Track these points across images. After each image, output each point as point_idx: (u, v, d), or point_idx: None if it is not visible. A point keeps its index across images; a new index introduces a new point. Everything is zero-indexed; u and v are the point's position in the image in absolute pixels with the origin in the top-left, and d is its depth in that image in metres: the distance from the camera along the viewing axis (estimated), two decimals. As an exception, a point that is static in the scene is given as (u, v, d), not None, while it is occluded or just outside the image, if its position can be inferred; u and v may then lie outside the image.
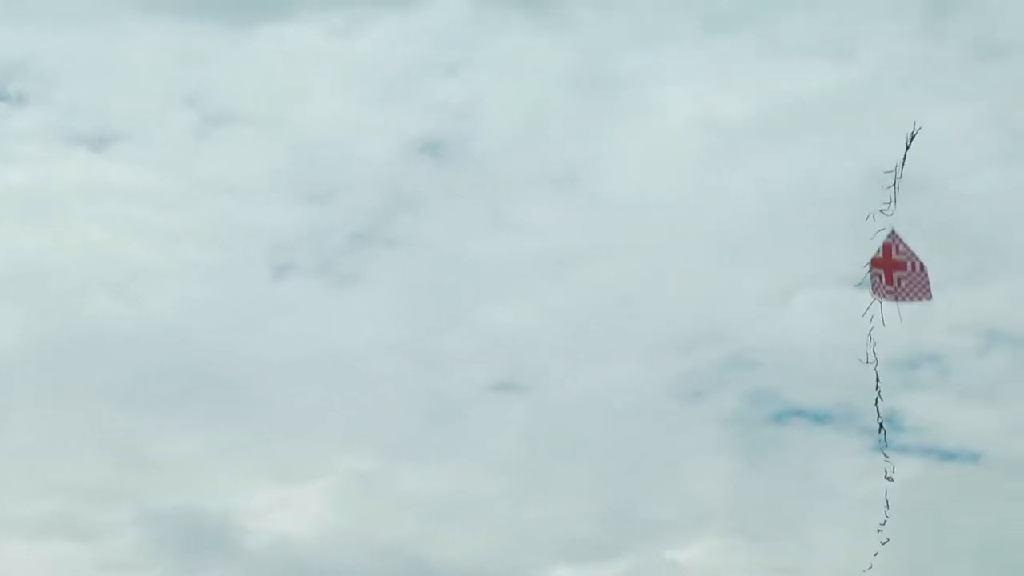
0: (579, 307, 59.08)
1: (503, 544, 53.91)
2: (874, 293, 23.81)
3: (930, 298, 23.82)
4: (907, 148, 23.75)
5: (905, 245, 23.82)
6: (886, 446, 26.90)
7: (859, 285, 24.07)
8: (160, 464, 53.93)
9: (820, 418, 56.88)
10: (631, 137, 61.30)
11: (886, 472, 27.02)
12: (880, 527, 27.33)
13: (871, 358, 24.72)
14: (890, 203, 23.88)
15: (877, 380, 25.18)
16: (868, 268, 23.79)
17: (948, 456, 55.80)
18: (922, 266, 23.81)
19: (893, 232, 23.95)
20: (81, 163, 60.86)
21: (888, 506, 27.23)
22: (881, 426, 26.30)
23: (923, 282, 23.85)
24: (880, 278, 23.73)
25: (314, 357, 57.22)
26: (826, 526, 54.25)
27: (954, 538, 53.40)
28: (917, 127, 24.05)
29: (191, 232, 59.62)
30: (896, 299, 23.76)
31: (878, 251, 24.00)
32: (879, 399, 25.74)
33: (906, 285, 23.72)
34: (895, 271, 23.71)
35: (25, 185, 59.74)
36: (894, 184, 23.75)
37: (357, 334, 58.26)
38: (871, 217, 23.91)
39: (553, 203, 60.99)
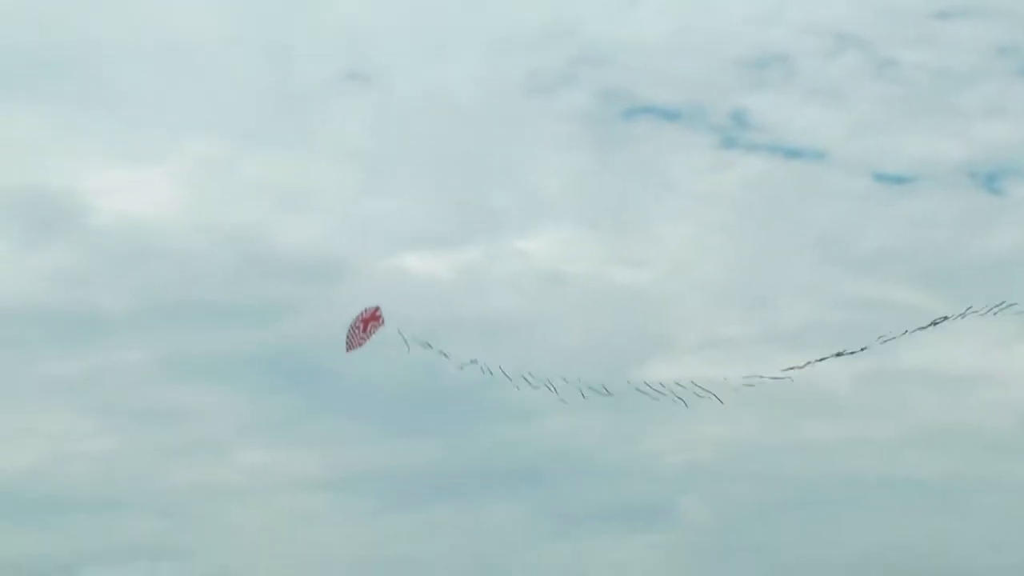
0: (425, 1, 58.66)
1: (348, 232, 54.46)
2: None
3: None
4: None
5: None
6: None
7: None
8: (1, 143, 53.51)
9: (669, 115, 57.64)
10: None
11: None
12: None
13: None
14: None
15: None
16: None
17: (793, 154, 57.06)
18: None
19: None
20: None
21: None
22: None
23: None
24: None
25: (158, 42, 56.45)
26: (670, 219, 55.48)
27: (797, 232, 55.15)
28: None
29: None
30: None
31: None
32: None
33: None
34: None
35: None
36: None
37: (200, 21, 56.98)
38: None
39: None
